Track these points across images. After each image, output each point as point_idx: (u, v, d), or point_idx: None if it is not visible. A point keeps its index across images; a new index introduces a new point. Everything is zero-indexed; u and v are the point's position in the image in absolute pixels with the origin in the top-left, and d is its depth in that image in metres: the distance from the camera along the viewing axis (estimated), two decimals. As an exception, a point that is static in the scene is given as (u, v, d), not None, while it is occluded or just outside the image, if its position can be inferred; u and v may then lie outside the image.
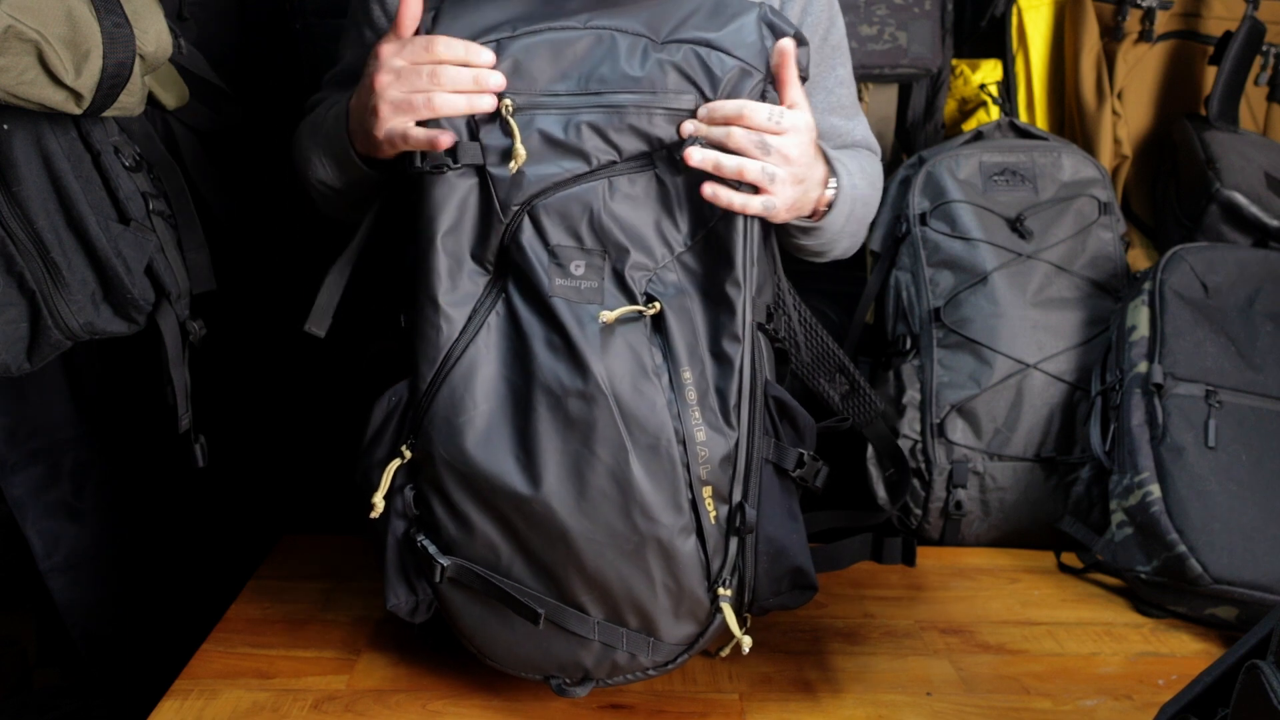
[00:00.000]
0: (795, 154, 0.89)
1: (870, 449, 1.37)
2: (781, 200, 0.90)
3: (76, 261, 0.98)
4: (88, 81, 0.91)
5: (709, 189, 0.87)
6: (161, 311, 1.07)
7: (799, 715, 0.97)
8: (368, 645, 1.07)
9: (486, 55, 0.87)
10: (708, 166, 0.87)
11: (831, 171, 1.00)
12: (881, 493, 1.37)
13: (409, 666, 1.03)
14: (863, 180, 1.06)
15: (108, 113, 0.96)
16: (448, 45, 0.87)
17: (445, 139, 0.88)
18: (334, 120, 0.99)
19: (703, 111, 0.87)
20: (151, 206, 1.04)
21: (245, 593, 1.17)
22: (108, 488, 1.28)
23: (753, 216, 0.89)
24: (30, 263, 0.96)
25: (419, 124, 0.89)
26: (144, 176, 1.04)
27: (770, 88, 0.90)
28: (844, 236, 1.07)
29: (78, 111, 0.93)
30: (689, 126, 0.88)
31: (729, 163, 0.87)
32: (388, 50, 0.89)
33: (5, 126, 0.93)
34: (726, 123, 0.87)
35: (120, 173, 1.01)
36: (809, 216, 1.01)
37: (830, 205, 1.01)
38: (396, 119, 0.89)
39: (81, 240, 0.98)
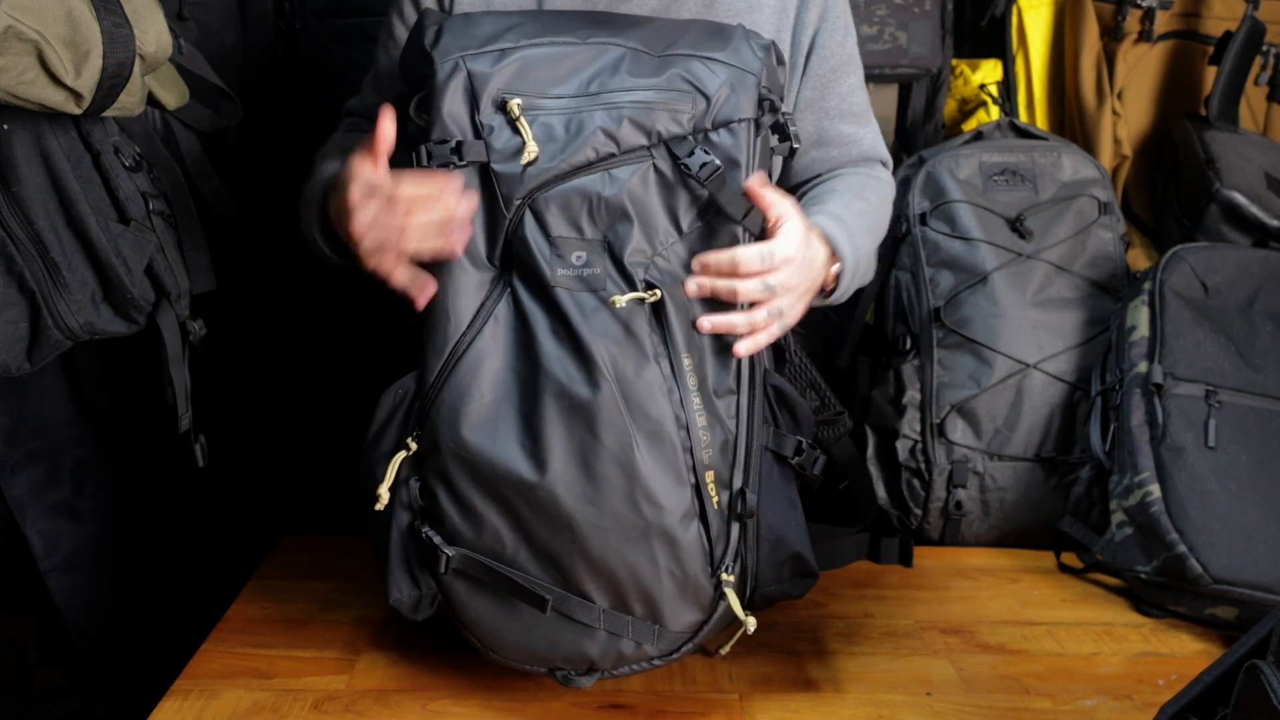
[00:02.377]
0: (795, 280, 0.92)
1: (870, 448, 1.38)
2: (792, 317, 0.94)
3: (76, 261, 0.98)
4: (88, 81, 0.91)
5: (742, 346, 0.91)
6: (161, 311, 1.07)
7: (799, 715, 0.97)
8: (368, 645, 1.07)
9: (454, 181, 0.87)
10: (721, 329, 0.91)
11: (831, 250, 0.99)
12: (882, 492, 1.37)
13: (409, 666, 1.03)
14: (864, 232, 1.06)
15: (108, 113, 0.96)
16: (414, 186, 0.86)
17: (430, 287, 0.90)
18: (312, 214, 0.99)
19: (696, 265, 0.90)
20: (151, 206, 1.04)
21: (245, 593, 1.17)
22: (108, 488, 1.28)
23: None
24: (30, 263, 0.96)
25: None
26: (144, 176, 1.04)
27: (767, 92, 0.92)
28: (855, 285, 1.07)
29: (78, 111, 0.93)
30: (692, 287, 0.90)
31: (741, 323, 0.91)
32: (357, 192, 0.87)
33: (5, 126, 0.93)
34: (721, 275, 0.90)
35: (120, 173, 1.01)
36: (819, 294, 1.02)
37: (837, 278, 1.02)
38: (379, 259, 0.89)
39: (81, 240, 0.98)
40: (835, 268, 1.01)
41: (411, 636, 1.07)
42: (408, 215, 0.86)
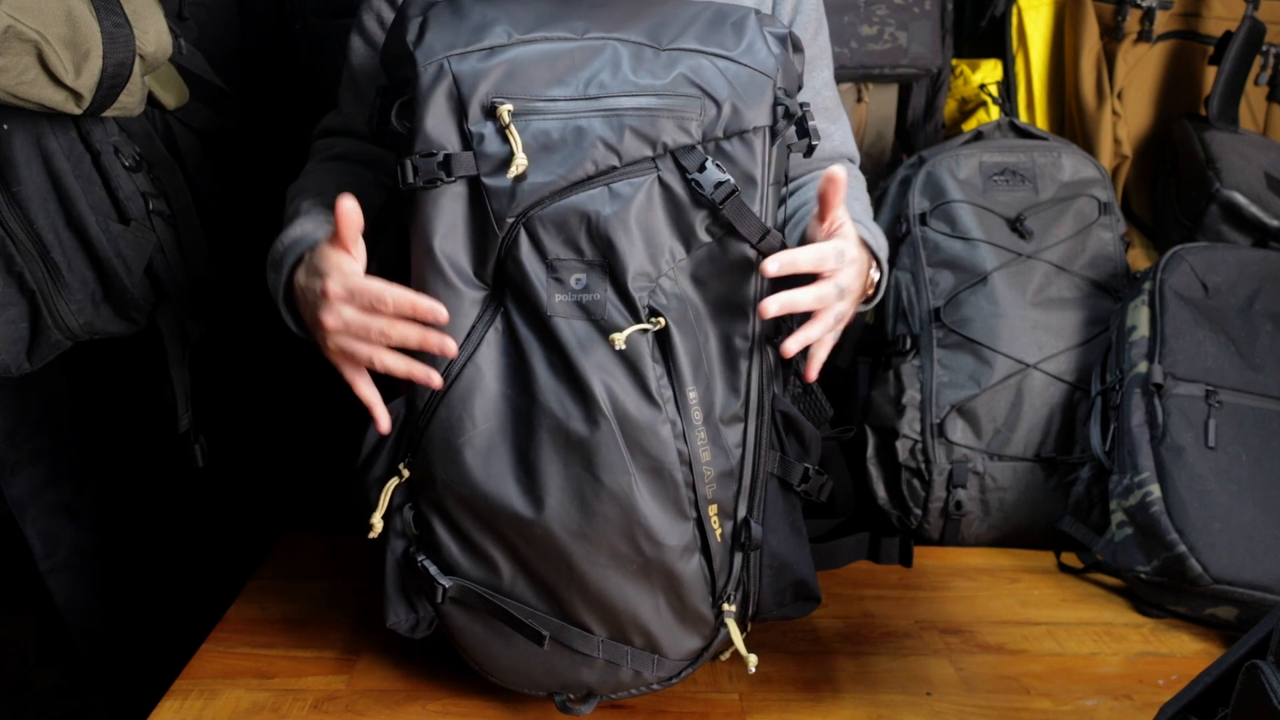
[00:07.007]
0: (855, 284, 0.89)
1: (870, 448, 1.37)
2: (844, 324, 0.91)
3: (76, 261, 0.99)
4: (88, 81, 0.91)
5: (813, 363, 0.90)
6: (161, 311, 1.07)
7: (799, 715, 0.97)
8: (368, 645, 1.07)
9: (440, 312, 0.83)
10: (803, 344, 0.86)
11: (870, 254, 0.96)
12: (881, 492, 1.37)
13: (409, 667, 1.03)
14: (880, 233, 1.04)
15: (108, 113, 0.97)
16: (398, 301, 0.83)
17: (380, 415, 0.89)
18: (280, 279, 0.94)
19: (775, 268, 0.83)
20: (151, 206, 1.04)
21: (245, 593, 1.17)
22: (108, 488, 1.29)
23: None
24: (30, 263, 0.96)
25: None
26: (144, 176, 1.04)
27: (784, 94, 0.86)
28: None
29: (78, 111, 0.93)
30: (773, 308, 0.84)
31: (819, 334, 0.87)
32: (335, 290, 0.85)
33: (5, 126, 0.94)
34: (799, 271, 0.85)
35: (120, 173, 1.01)
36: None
37: (876, 286, 1.00)
38: (347, 367, 0.88)
39: (81, 240, 0.99)
40: (875, 273, 0.98)
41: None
42: (389, 325, 0.84)
